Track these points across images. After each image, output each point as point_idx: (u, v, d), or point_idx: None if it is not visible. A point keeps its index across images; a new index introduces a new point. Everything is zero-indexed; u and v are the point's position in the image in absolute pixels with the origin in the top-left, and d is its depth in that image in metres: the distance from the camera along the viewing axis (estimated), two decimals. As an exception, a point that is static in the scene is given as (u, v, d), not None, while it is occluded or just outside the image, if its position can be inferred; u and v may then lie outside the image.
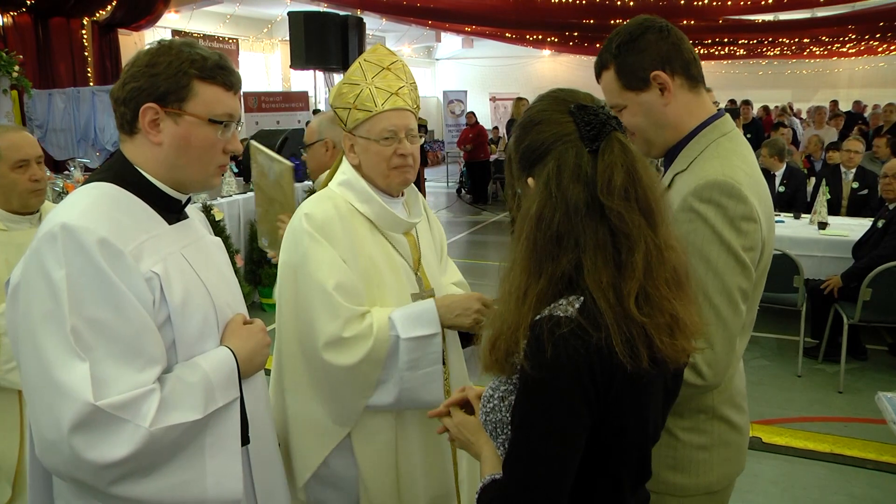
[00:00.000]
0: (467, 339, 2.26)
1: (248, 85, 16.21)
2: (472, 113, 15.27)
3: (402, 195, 2.14)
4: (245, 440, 1.56)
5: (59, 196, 5.53)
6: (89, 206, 1.41)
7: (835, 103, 16.76)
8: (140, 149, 1.52)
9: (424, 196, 12.91)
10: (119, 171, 1.52)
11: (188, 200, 1.63)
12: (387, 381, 1.94)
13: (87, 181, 1.54)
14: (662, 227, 1.18)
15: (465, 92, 20.95)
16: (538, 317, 1.16)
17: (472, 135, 14.23)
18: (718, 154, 1.69)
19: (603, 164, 1.17)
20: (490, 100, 21.56)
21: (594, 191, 1.16)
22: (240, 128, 1.60)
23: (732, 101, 11.85)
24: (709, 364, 1.59)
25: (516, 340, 1.18)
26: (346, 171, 2.07)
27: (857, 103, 17.30)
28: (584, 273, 1.15)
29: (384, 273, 2.02)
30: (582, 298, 1.16)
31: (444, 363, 2.03)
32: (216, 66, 1.51)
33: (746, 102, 11.99)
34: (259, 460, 1.66)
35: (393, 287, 2.03)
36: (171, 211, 1.57)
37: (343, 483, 2.05)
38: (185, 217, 1.64)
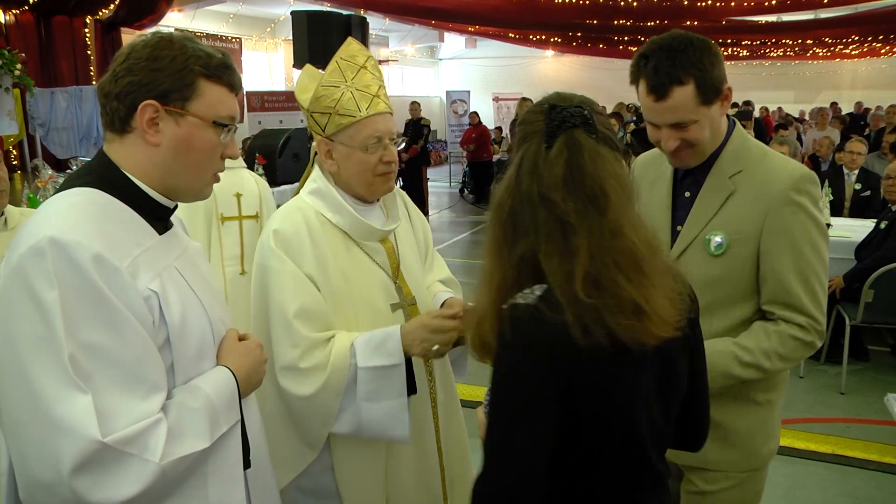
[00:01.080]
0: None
1: (250, 84, 16.23)
2: (476, 113, 15.27)
3: (378, 199, 2.05)
4: (246, 464, 1.45)
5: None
6: (78, 217, 1.26)
7: (835, 105, 16.76)
8: (131, 150, 1.36)
9: (427, 196, 12.98)
10: (104, 175, 1.36)
11: (175, 208, 1.48)
12: (346, 409, 1.84)
13: (65, 185, 1.37)
14: (612, 214, 1.22)
15: (469, 92, 20.96)
16: (504, 305, 1.23)
17: (476, 135, 14.23)
18: (767, 152, 1.89)
19: (549, 158, 1.24)
20: (493, 100, 21.58)
21: (542, 183, 1.23)
22: (236, 131, 1.48)
23: (747, 103, 11.88)
24: (816, 329, 1.81)
25: (489, 325, 1.26)
26: (316, 178, 1.96)
27: (858, 104, 17.31)
28: (541, 259, 1.22)
29: (358, 287, 1.93)
30: (545, 286, 1.22)
31: (415, 392, 1.89)
32: (222, 66, 1.40)
33: (747, 103, 12.00)
34: (256, 483, 1.54)
35: (368, 300, 1.94)
36: (160, 220, 1.43)
37: (327, 496, 1.98)
38: (172, 225, 1.49)
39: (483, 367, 1.31)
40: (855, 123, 13.00)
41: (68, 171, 6.34)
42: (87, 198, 1.31)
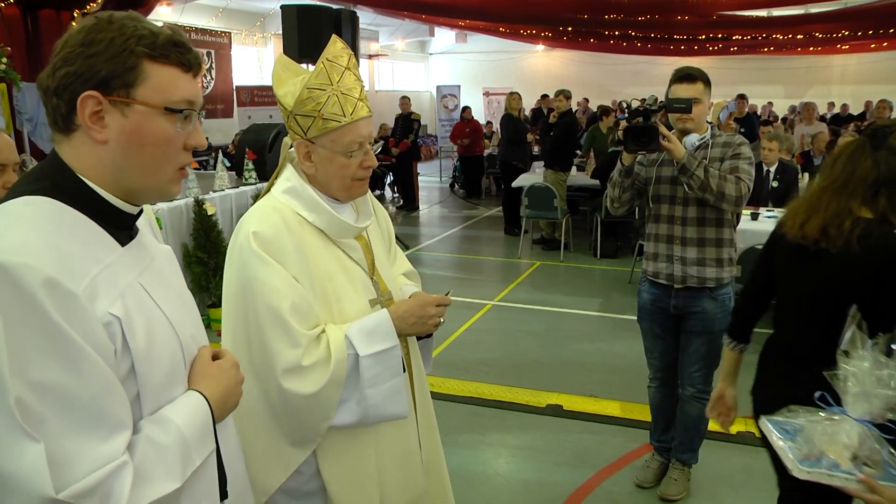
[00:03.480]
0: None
1: (240, 79, 16.16)
2: (468, 108, 15.27)
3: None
4: (223, 495, 1.33)
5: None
6: (26, 234, 1.08)
7: (831, 104, 16.86)
8: (80, 150, 1.19)
9: (417, 191, 12.96)
10: (57, 181, 1.18)
11: (139, 213, 1.32)
12: (348, 399, 1.86)
13: (12, 192, 1.18)
14: None
15: (459, 86, 20.93)
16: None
17: (469, 129, 14.22)
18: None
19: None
20: (483, 94, 21.56)
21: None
22: (201, 119, 1.33)
23: (742, 97, 11.93)
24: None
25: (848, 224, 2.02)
26: (290, 177, 1.94)
27: (844, 106, 17.42)
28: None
29: (341, 284, 1.94)
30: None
31: (405, 370, 1.96)
32: (169, 43, 1.21)
33: (742, 97, 12.03)
34: None
35: (351, 297, 1.95)
36: (123, 228, 1.26)
37: (313, 497, 1.98)
38: (136, 232, 1.32)
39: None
40: (837, 125, 13.14)
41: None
42: (39, 209, 1.14)
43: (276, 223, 1.86)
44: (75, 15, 12.00)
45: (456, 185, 15.49)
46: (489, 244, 10.23)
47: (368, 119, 1.91)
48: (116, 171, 1.21)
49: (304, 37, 7.21)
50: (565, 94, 9.68)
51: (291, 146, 1.97)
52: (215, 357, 1.41)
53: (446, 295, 2.06)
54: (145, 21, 1.23)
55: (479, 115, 17.89)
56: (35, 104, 10.03)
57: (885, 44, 17.67)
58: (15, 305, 1.02)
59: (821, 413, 1.72)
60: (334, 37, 1.92)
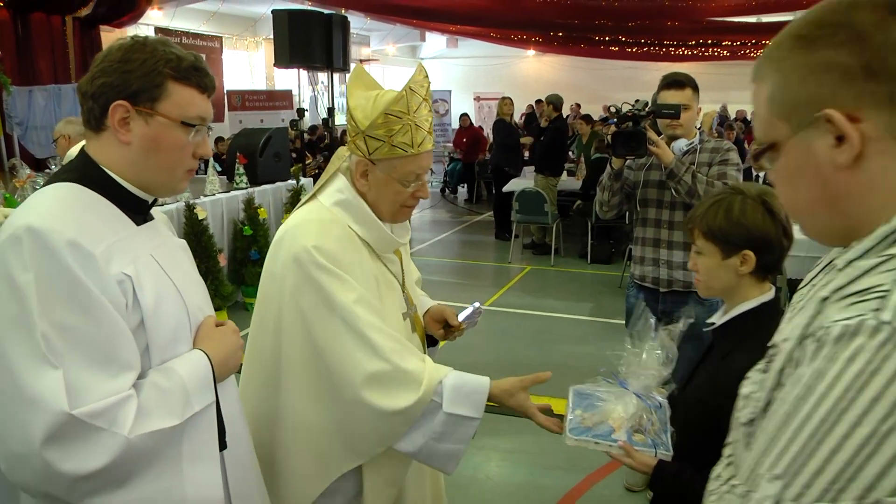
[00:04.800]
0: (433, 341, 2.25)
1: (231, 83, 16.12)
2: (466, 115, 15.36)
3: None
4: (222, 445, 1.52)
5: (40, 194, 5.44)
6: (54, 207, 1.35)
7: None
8: (106, 147, 1.45)
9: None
10: (84, 171, 1.45)
11: (154, 202, 1.57)
12: (406, 437, 1.83)
13: (49, 181, 1.46)
14: None
15: (450, 91, 20.94)
16: None
17: (466, 138, 14.28)
18: None
19: None
20: (474, 99, 21.57)
21: None
22: (211, 131, 1.56)
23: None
24: None
25: None
26: (343, 189, 1.91)
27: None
28: None
29: (384, 297, 1.94)
30: None
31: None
32: (191, 68, 1.46)
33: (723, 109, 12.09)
34: (235, 465, 1.60)
35: (390, 310, 1.95)
36: (138, 212, 1.51)
37: (340, 492, 1.96)
38: (151, 218, 1.58)
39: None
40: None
41: (47, 170, 6.25)
42: (67, 191, 1.40)
43: (339, 237, 1.85)
44: (66, 19, 11.97)
45: (447, 190, 15.52)
46: (480, 249, 10.24)
47: (431, 152, 1.91)
48: (136, 167, 1.46)
49: (295, 41, 7.23)
50: (555, 106, 9.69)
51: (346, 159, 1.95)
52: (219, 325, 1.61)
53: (474, 305, 2.17)
54: (174, 46, 1.47)
55: (471, 119, 17.91)
56: (25, 108, 9.99)
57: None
58: (43, 260, 1.26)
59: (612, 387, 1.87)
60: (420, 65, 1.92)
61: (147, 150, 1.44)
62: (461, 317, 2.25)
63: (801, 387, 0.78)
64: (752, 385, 0.98)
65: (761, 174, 7.24)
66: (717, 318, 1.87)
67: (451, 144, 15.54)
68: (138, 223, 1.50)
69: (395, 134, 1.81)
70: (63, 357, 1.24)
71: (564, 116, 10.80)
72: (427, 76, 1.90)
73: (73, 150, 4.61)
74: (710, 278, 1.83)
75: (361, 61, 20.92)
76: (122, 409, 1.29)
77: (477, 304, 2.33)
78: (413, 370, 1.78)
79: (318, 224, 1.86)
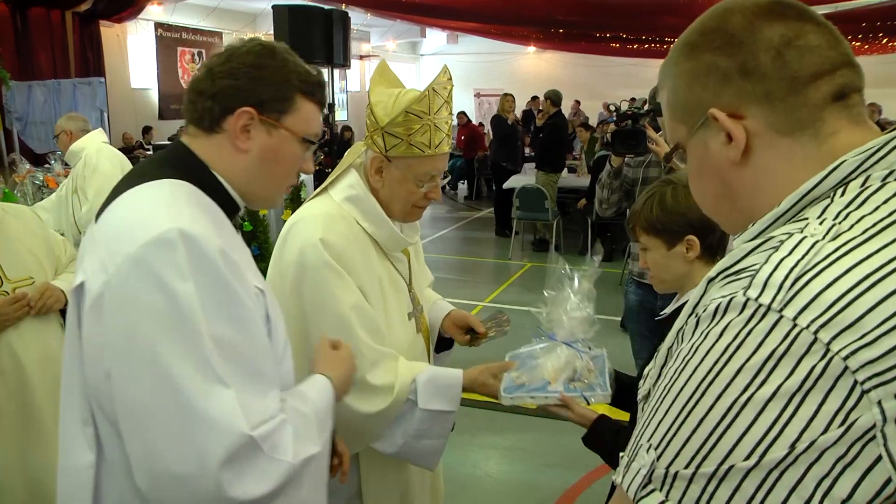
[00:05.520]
0: (446, 343, 2.24)
1: (231, 78, 16.07)
2: (463, 112, 15.36)
3: None
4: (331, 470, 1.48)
5: (39, 190, 5.43)
6: (193, 210, 1.25)
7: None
8: (218, 149, 1.36)
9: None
10: (191, 170, 1.35)
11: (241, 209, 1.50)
12: (386, 437, 1.86)
13: (140, 174, 1.33)
14: None
15: (450, 88, 20.95)
16: None
17: (464, 136, 14.29)
18: None
19: None
20: (474, 95, 21.58)
21: None
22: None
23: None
24: None
25: None
26: (355, 185, 1.91)
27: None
28: None
29: (389, 296, 1.94)
30: None
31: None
32: (318, 84, 1.42)
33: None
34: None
35: (395, 309, 1.96)
36: (231, 218, 1.43)
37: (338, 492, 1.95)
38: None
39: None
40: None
41: (46, 165, 6.23)
42: (189, 191, 1.31)
43: (345, 233, 1.84)
44: (65, 14, 11.95)
45: (446, 187, 15.52)
46: (480, 245, 10.25)
47: (447, 155, 1.92)
48: (249, 176, 1.39)
49: (295, 37, 7.20)
50: (553, 101, 9.67)
51: (362, 154, 1.95)
52: (334, 347, 1.59)
53: (501, 314, 2.20)
54: (298, 58, 1.42)
55: (470, 116, 17.91)
56: (25, 103, 9.98)
57: (875, 49, 17.78)
58: (202, 268, 1.17)
59: (544, 342, 1.89)
60: (445, 67, 1.93)
61: (264, 161, 1.38)
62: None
63: (679, 361, 0.82)
64: (650, 364, 1.03)
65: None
66: (669, 310, 1.88)
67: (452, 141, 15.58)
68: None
69: (413, 133, 1.81)
70: (230, 374, 1.17)
71: (566, 114, 10.79)
72: (451, 78, 1.89)
73: (77, 145, 4.61)
74: (661, 271, 1.85)
75: (361, 57, 20.89)
76: (283, 433, 1.22)
77: (501, 313, 2.31)
78: (380, 385, 1.80)
79: (326, 219, 1.84)
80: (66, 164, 5.13)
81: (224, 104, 1.34)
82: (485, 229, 11.26)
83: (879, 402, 0.69)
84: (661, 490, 0.79)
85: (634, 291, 3.50)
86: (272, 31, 7.84)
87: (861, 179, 0.83)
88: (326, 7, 8.10)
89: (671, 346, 0.92)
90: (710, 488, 0.75)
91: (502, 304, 7.06)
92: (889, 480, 0.70)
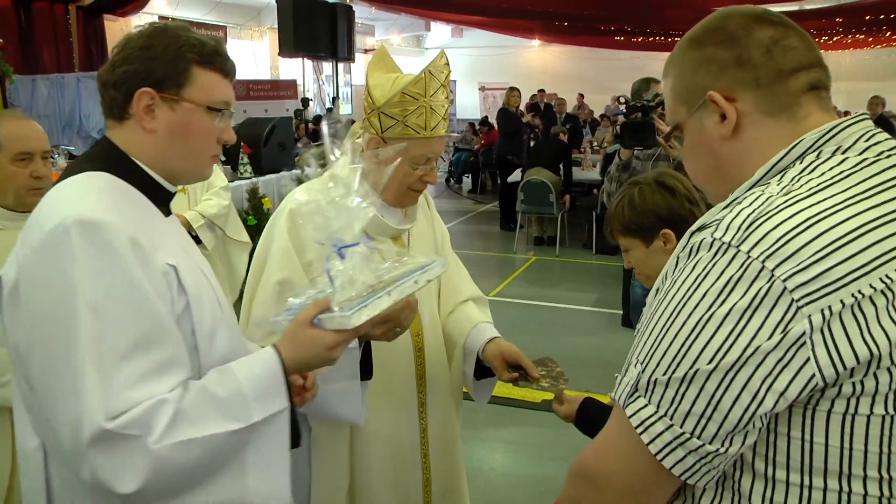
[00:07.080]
0: (486, 371, 2.17)
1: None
2: (488, 120, 15.47)
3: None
4: (294, 443, 1.40)
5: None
6: (102, 198, 1.30)
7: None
8: (131, 136, 1.41)
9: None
10: (112, 161, 1.40)
11: (174, 193, 1.52)
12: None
13: (71, 170, 1.40)
14: None
15: (455, 81, 20.90)
16: None
17: (485, 140, 14.37)
18: None
19: None
20: (479, 89, 21.56)
21: None
22: (233, 115, 1.53)
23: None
24: None
25: None
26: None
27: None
28: None
29: None
30: None
31: (370, 377, 1.85)
32: (214, 52, 1.44)
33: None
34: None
35: None
36: (164, 204, 1.48)
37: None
38: (170, 211, 1.53)
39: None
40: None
41: (51, 159, 6.23)
42: (104, 181, 1.36)
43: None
44: (69, 8, 11.95)
45: (451, 180, 15.52)
46: (485, 239, 10.23)
47: (444, 138, 1.93)
48: (163, 155, 1.42)
49: (300, 30, 7.20)
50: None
51: (359, 137, 1.97)
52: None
53: (553, 363, 2.15)
54: (194, 31, 1.45)
55: (475, 110, 17.90)
56: (28, 97, 9.99)
57: (879, 41, 17.70)
58: (100, 255, 1.22)
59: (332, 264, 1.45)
60: (442, 51, 1.94)
61: (174, 137, 1.41)
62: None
63: (662, 293, 1.04)
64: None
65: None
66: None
67: (456, 134, 15.55)
68: (165, 215, 1.47)
69: (409, 114, 1.83)
70: (103, 360, 1.20)
71: (569, 107, 10.76)
72: (448, 63, 1.91)
73: None
74: (645, 268, 1.90)
75: (366, 51, 20.87)
76: (157, 415, 1.21)
77: (553, 362, 2.17)
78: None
79: (306, 191, 1.77)
80: (71, 158, 5.12)
81: (125, 90, 1.37)
82: (489, 223, 11.24)
83: (809, 316, 0.89)
84: (644, 396, 1.00)
85: (641, 285, 3.49)
86: (276, 25, 7.82)
87: (816, 153, 1.03)
88: (331, 1, 8.08)
89: (659, 288, 1.08)
90: (682, 389, 0.96)
91: (507, 298, 7.07)
92: (813, 376, 0.90)
